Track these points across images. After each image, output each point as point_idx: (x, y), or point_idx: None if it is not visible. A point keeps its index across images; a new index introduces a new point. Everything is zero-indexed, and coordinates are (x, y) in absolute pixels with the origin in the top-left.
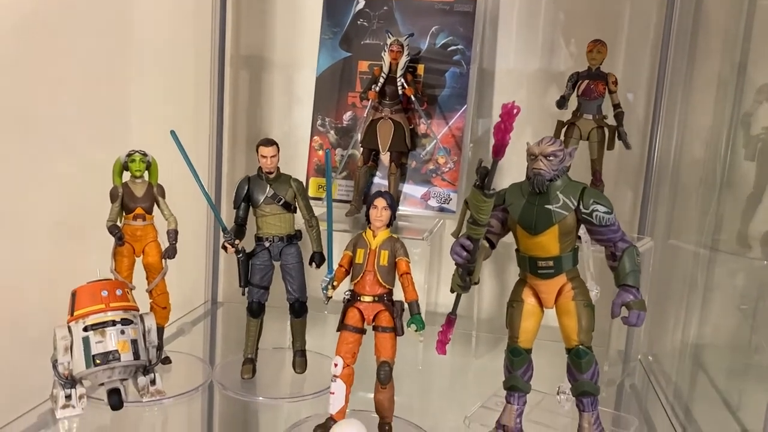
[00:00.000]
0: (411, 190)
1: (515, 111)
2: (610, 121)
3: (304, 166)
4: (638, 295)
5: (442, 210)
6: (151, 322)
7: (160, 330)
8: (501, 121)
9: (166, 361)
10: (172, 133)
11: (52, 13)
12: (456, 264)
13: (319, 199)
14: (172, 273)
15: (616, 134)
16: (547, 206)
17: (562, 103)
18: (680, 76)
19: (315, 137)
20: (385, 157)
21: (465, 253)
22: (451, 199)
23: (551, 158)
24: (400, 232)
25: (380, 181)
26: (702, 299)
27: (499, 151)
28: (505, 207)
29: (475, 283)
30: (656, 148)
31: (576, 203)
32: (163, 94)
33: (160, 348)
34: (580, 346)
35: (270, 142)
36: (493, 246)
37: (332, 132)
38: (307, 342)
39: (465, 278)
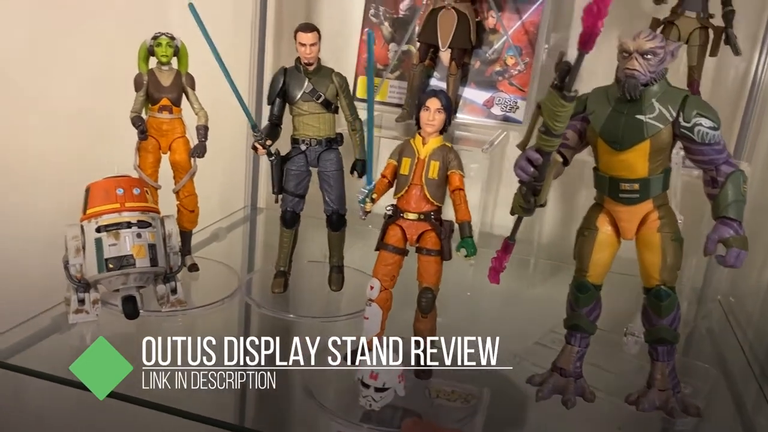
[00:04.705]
0: (472, 94)
1: None
2: (717, 21)
3: (353, 63)
4: (740, 230)
5: (506, 119)
6: (172, 226)
7: (188, 235)
8: (593, 3)
9: (193, 268)
10: (190, 6)
11: None
12: (520, 181)
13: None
14: (209, 174)
15: (723, 37)
16: (638, 116)
17: None
18: None
19: (366, 29)
20: (444, 55)
21: (532, 169)
22: (518, 107)
23: (649, 57)
24: (456, 142)
25: (438, 83)
26: None
27: (587, 42)
28: (586, 116)
29: (541, 205)
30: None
31: (675, 114)
32: None
33: (186, 254)
34: (662, 287)
35: (310, 28)
36: (566, 162)
37: (386, 23)
38: (346, 258)
39: (529, 199)
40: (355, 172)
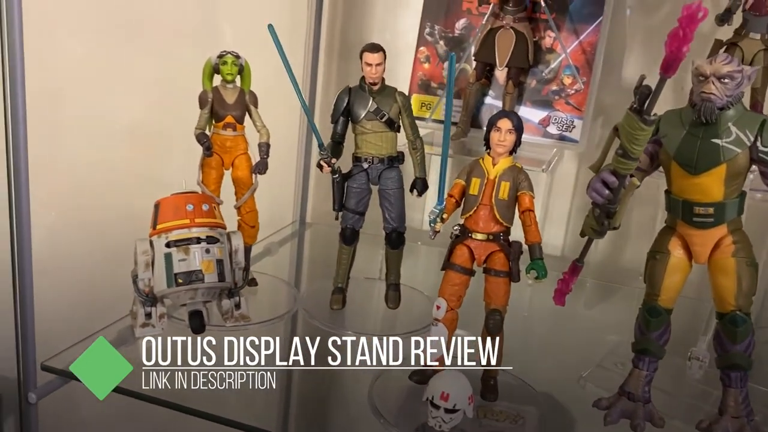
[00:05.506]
0: (528, 113)
1: (700, 15)
2: None
3: (406, 80)
4: None
5: (562, 138)
6: (238, 242)
7: (248, 249)
8: (679, 28)
9: (253, 282)
10: (270, 27)
11: None
12: (594, 204)
13: (422, 118)
14: (260, 189)
15: None
16: (714, 140)
17: (726, 17)
18: None
19: (421, 48)
20: (501, 74)
21: (607, 192)
22: (574, 127)
23: (726, 81)
24: None
25: (493, 102)
26: None
27: (670, 66)
28: (658, 138)
29: (615, 228)
30: None
31: (752, 139)
32: None
33: (246, 269)
34: (738, 312)
35: (376, 48)
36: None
37: (442, 42)
38: (402, 275)
39: (603, 221)
40: (415, 191)
